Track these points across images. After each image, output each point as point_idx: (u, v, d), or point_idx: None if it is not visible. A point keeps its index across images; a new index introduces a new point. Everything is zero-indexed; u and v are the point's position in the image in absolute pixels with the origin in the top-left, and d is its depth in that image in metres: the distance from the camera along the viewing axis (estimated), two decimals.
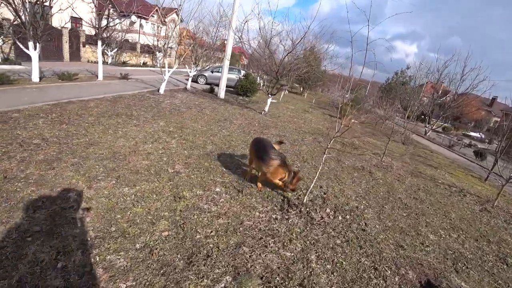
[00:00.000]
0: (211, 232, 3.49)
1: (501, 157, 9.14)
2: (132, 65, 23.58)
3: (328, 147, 4.34)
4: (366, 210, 5.04)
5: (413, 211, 5.55)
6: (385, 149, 8.87)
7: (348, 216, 4.61)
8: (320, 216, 4.43)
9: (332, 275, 3.20)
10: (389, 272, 3.46)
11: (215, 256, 3.09)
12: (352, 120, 17.50)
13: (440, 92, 30.26)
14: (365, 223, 4.53)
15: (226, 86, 19.14)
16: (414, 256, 3.96)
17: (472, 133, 30.76)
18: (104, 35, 13.08)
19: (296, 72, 13.90)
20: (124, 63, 23.18)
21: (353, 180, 6.43)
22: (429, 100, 27.77)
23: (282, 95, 22.42)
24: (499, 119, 33.67)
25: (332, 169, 6.90)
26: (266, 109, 13.23)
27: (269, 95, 13.17)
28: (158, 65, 12.65)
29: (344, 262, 3.45)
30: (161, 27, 13.03)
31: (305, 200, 4.60)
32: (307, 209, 4.50)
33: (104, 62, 21.06)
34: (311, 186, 4.57)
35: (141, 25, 32.16)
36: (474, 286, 3.66)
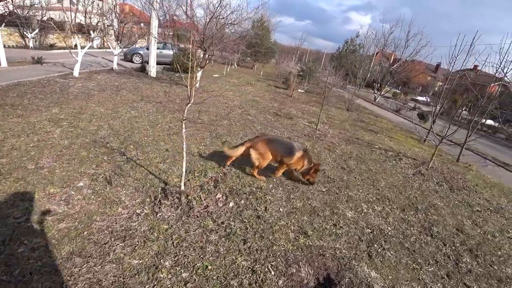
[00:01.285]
0: (41, 242, 2.53)
1: (441, 117, 8.97)
2: (61, 48, 20.29)
3: (184, 119, 3.29)
4: (274, 191, 4.17)
5: (336, 185, 4.84)
6: (319, 116, 8.16)
7: (243, 201, 3.69)
8: (204, 204, 3.44)
9: None
10: (272, 273, 2.60)
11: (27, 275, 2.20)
12: (298, 90, 16.84)
13: (391, 60, 30.97)
14: (265, 208, 3.65)
15: (164, 64, 17.33)
16: (318, 244, 3.17)
17: (420, 98, 32.29)
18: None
19: (226, 40, 12.57)
20: (52, 46, 19.77)
21: None
22: (381, 68, 28.24)
23: (227, 69, 21.02)
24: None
25: None
26: (197, 84, 11.88)
27: (199, 68, 11.81)
28: (95, 46, 10.66)
29: (210, 266, 2.53)
30: (93, 2, 11.09)
31: (182, 187, 3.57)
32: (189, 197, 3.48)
33: (25, 46, 17.98)
34: (183, 168, 3.53)
35: (71, 2, 27.82)
36: (386, 274, 2.97)
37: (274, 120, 8.29)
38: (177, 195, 3.43)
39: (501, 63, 7.56)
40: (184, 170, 3.50)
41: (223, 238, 2.92)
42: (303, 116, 9.54)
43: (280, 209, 3.73)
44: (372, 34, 28.05)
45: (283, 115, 9.10)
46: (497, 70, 7.63)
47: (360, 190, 4.83)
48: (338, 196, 4.42)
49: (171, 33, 13.72)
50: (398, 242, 3.62)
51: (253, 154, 4.03)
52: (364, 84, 27.37)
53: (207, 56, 12.11)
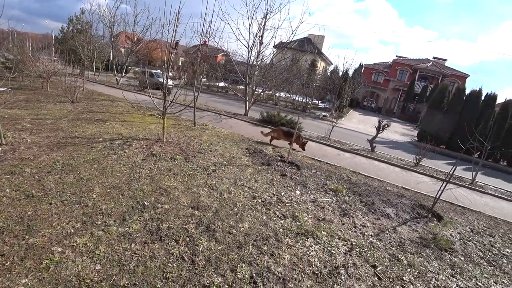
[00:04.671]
0: None
1: (186, 88, 8.64)
2: None
3: None
4: None
5: (6, 236, 2.85)
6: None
7: None
8: None
9: None
10: None
11: None
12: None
13: (135, 40, 29.35)
14: None
15: None
16: None
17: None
18: None
19: None
20: None
21: None
22: (125, 50, 26.05)
23: None
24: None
25: None
26: None
27: None
28: None
29: None
30: None
31: None
32: None
33: None
34: None
35: None
36: None
37: None
38: None
39: (206, 32, 9.59)
40: None
41: None
42: None
43: None
44: (97, 10, 24.61)
45: None
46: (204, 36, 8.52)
47: (58, 220, 3.14)
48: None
49: None
50: None
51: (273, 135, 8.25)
52: (103, 67, 24.26)
53: None
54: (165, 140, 6.03)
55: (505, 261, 4.48)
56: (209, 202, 4.01)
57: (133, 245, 2.93)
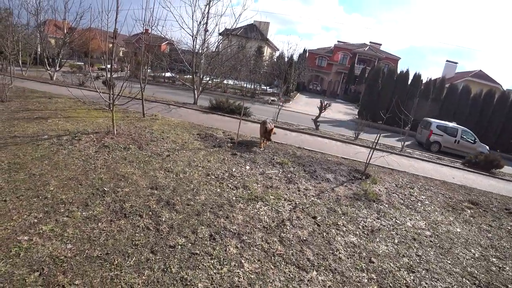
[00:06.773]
0: None
1: (131, 80, 8.56)
2: None
3: None
4: None
5: None
6: None
7: None
8: None
9: None
10: None
11: None
12: None
13: (66, 30, 26.94)
14: None
15: None
16: None
17: (108, 66, 31.76)
18: None
19: None
20: None
21: None
22: (56, 40, 23.79)
23: None
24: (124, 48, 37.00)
25: None
26: None
27: None
28: None
29: None
30: None
31: None
32: None
33: None
34: None
35: None
36: None
37: None
38: None
39: (149, 21, 8.75)
40: None
41: None
42: None
43: None
44: None
45: None
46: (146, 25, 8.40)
47: (18, 214, 3.29)
48: None
49: None
50: (81, 269, 2.68)
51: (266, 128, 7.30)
52: (31, 61, 22.06)
53: None
54: (115, 132, 6.15)
55: (420, 204, 5.63)
56: (166, 182, 4.40)
57: (99, 224, 3.24)
